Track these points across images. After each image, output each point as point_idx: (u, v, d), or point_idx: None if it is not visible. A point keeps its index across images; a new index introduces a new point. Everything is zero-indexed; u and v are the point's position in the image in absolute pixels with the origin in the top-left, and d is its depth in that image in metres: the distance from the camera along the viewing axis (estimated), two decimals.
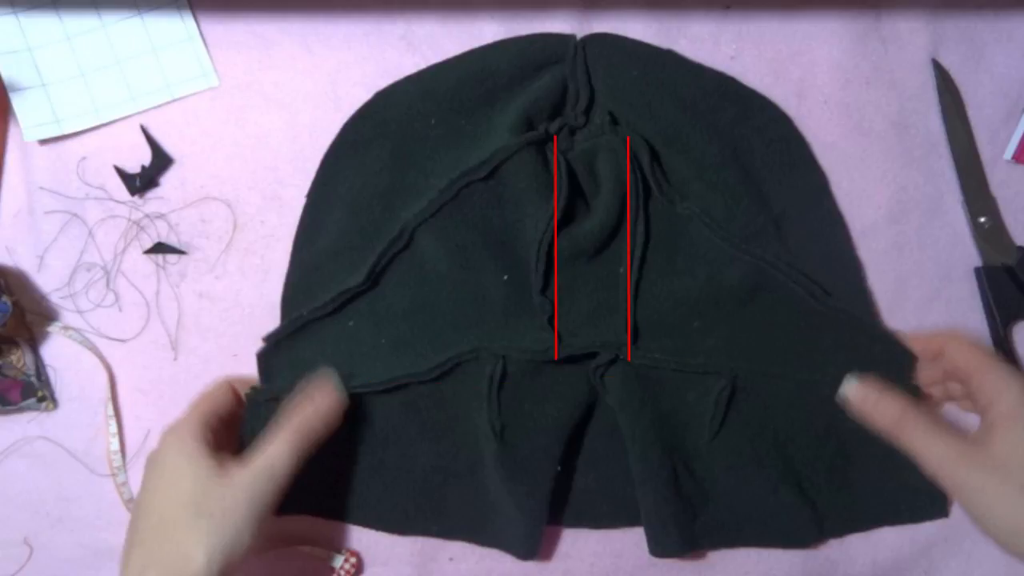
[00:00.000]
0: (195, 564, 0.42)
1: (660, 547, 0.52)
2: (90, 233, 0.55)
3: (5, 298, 0.52)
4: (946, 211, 0.57)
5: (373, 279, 0.53)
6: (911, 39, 0.57)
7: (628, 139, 0.51)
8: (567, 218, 0.52)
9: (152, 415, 0.55)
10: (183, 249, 0.55)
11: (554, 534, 0.56)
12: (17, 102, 0.54)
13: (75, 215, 0.55)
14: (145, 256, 0.55)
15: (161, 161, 0.55)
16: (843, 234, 0.56)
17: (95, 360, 0.55)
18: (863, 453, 0.53)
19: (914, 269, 0.57)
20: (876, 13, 0.57)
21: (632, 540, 0.56)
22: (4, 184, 0.55)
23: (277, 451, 0.46)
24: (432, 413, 0.53)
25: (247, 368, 0.54)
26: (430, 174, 0.53)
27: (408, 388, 0.52)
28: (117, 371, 0.55)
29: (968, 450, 0.44)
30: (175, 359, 0.55)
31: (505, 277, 0.52)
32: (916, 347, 0.52)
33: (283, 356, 0.54)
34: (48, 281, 0.55)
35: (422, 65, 0.55)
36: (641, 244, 0.52)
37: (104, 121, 0.55)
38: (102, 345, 0.55)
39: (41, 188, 0.55)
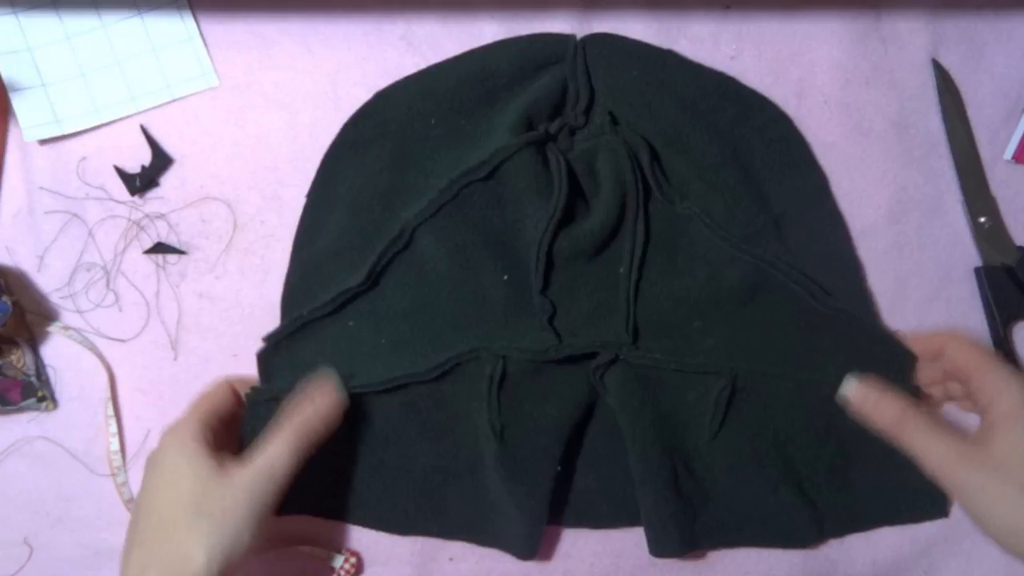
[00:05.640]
0: (195, 564, 0.42)
1: (660, 547, 0.53)
2: (90, 233, 0.55)
3: (5, 298, 0.52)
4: (946, 211, 0.57)
5: (373, 279, 0.53)
6: (911, 39, 0.57)
7: (628, 139, 0.51)
8: (567, 218, 0.52)
9: (152, 415, 0.55)
10: (183, 249, 0.55)
11: (554, 534, 0.56)
12: (17, 102, 0.54)
13: (75, 215, 0.55)
14: (145, 256, 0.55)
15: (161, 161, 0.55)
16: (843, 234, 0.56)
17: (95, 360, 0.55)
18: (863, 453, 0.53)
19: (914, 269, 0.57)
20: (876, 13, 0.57)
21: (632, 540, 0.56)
22: (4, 184, 0.55)
23: (277, 451, 0.46)
24: (432, 413, 0.53)
25: (247, 368, 0.54)
26: (430, 174, 0.53)
27: (408, 388, 0.52)
28: (117, 371, 0.55)
29: (968, 450, 0.44)
30: (175, 359, 0.55)
31: (505, 277, 0.52)
32: (916, 347, 0.52)
33: (283, 356, 0.54)
34: (48, 281, 0.55)
35: (422, 65, 0.55)
36: (641, 244, 0.52)
37: (104, 121, 0.55)
38: (102, 345, 0.55)
39: (41, 188, 0.55)
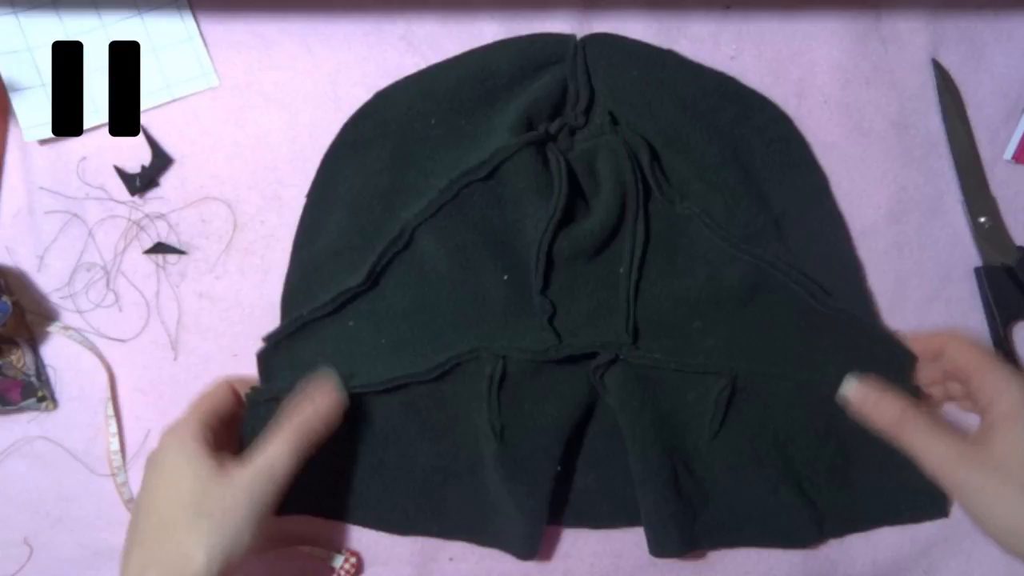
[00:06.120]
0: (195, 564, 0.42)
1: (660, 547, 0.53)
2: (90, 233, 0.55)
3: (5, 298, 0.52)
4: (946, 211, 0.57)
5: (373, 279, 0.53)
6: (911, 39, 0.57)
7: (628, 139, 0.51)
8: (567, 218, 0.52)
9: (152, 415, 0.55)
10: (183, 249, 0.55)
11: (554, 534, 0.56)
12: (17, 102, 0.54)
13: (75, 215, 0.55)
14: (145, 256, 0.55)
15: (161, 161, 0.55)
16: (843, 234, 0.56)
17: (95, 360, 0.55)
18: (863, 453, 0.53)
19: (914, 269, 0.57)
20: (876, 13, 0.57)
21: (632, 540, 0.56)
22: (4, 184, 0.55)
23: (277, 451, 0.46)
24: (432, 413, 0.53)
25: (247, 368, 0.54)
26: (430, 174, 0.53)
27: (408, 388, 0.52)
28: (117, 371, 0.55)
29: (968, 450, 0.44)
30: (175, 359, 0.55)
31: (505, 277, 0.52)
32: (916, 347, 0.52)
33: (283, 356, 0.54)
34: (48, 281, 0.55)
35: (422, 65, 0.55)
36: (641, 244, 0.52)
37: (104, 121, 0.55)
38: (102, 345, 0.55)
39: (41, 188, 0.55)
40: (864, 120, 0.57)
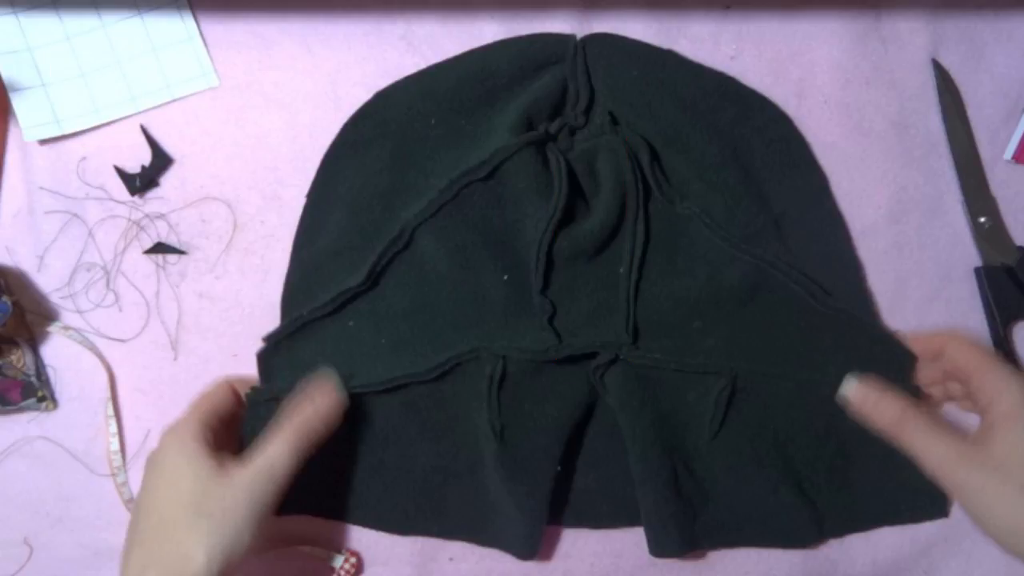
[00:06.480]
0: (195, 564, 0.42)
1: (660, 547, 0.53)
2: (90, 233, 0.55)
3: (5, 298, 0.52)
4: (946, 211, 0.57)
5: (373, 279, 0.53)
6: (911, 39, 0.57)
7: (628, 139, 0.51)
8: (567, 218, 0.52)
9: (152, 415, 0.55)
10: (183, 249, 0.55)
11: (554, 534, 0.56)
12: (17, 102, 0.54)
13: (75, 215, 0.55)
14: (145, 256, 0.55)
15: (161, 161, 0.55)
16: (843, 234, 0.56)
17: (95, 360, 0.55)
18: (863, 453, 0.53)
19: (914, 269, 0.57)
20: (876, 13, 0.57)
21: (632, 540, 0.56)
22: (4, 184, 0.55)
23: (277, 451, 0.46)
24: (432, 413, 0.53)
25: (247, 368, 0.54)
26: (430, 174, 0.53)
27: (408, 388, 0.52)
28: (117, 371, 0.55)
29: (968, 450, 0.44)
30: (175, 359, 0.55)
31: (505, 277, 0.52)
32: (916, 347, 0.52)
33: (283, 356, 0.54)
34: (48, 281, 0.55)
35: (422, 65, 0.55)
36: (641, 244, 0.52)
37: (104, 121, 0.55)
38: (102, 345, 0.55)
39: (41, 188, 0.55)
40: (864, 120, 0.57)
